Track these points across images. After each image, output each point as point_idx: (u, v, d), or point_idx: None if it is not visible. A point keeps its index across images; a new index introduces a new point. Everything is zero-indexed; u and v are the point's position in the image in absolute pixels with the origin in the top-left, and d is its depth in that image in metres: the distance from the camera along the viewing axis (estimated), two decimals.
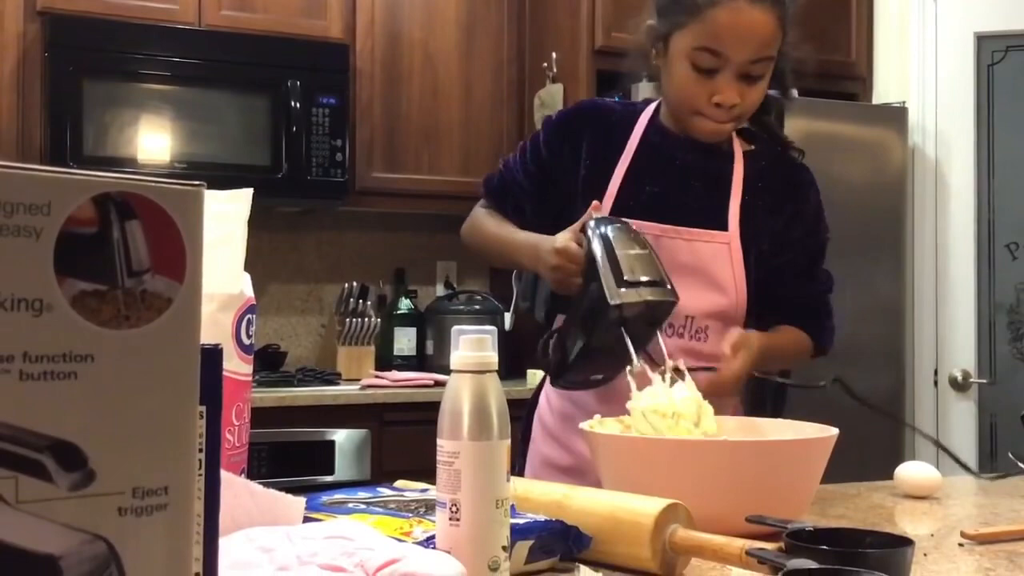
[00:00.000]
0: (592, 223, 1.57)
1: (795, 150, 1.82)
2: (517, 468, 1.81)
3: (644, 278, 1.50)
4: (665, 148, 1.76)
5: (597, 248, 1.53)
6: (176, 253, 0.53)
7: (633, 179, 1.74)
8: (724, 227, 1.72)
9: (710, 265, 1.70)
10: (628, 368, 1.50)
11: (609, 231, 1.54)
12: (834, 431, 1.36)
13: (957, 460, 1.74)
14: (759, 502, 1.23)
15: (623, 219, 1.60)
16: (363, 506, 1.15)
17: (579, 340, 1.59)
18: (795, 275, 1.79)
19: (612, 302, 1.49)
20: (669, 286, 1.52)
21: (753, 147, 1.80)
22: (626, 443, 1.37)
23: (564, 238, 1.60)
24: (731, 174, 1.75)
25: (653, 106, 1.81)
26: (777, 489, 1.29)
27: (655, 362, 1.51)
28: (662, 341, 1.54)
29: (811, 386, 1.52)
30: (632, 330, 1.52)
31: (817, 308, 1.82)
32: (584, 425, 1.43)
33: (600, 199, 1.70)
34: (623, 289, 1.49)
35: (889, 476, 1.67)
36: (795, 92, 1.83)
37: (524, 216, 1.82)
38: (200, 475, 0.62)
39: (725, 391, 1.60)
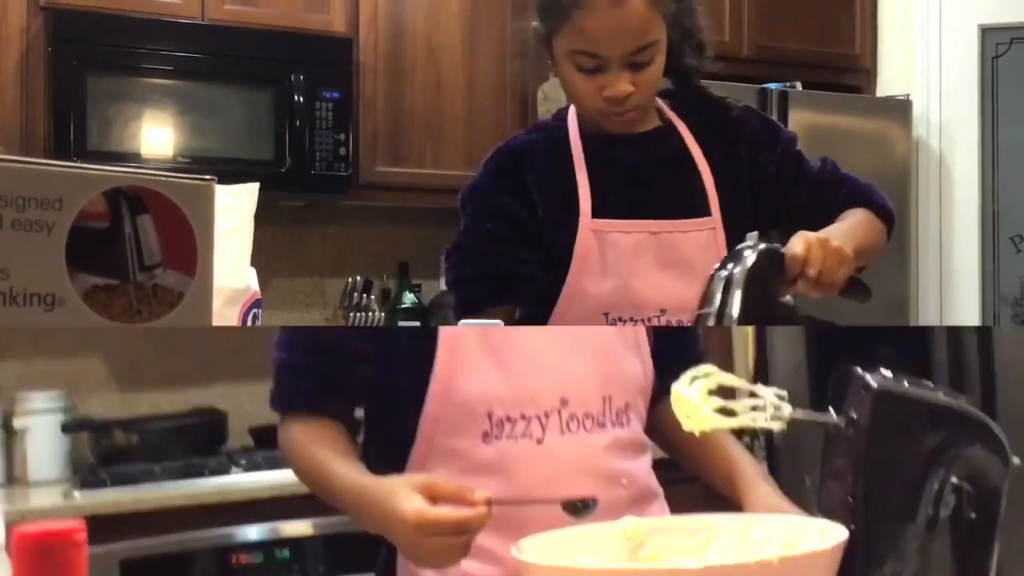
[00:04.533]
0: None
1: (731, 105, 1.70)
2: None
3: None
4: (608, 149, 1.65)
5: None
6: (187, 247, 0.53)
7: (599, 190, 1.62)
8: (707, 212, 1.62)
9: (698, 255, 1.60)
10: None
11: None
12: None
13: None
14: None
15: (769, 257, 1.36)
16: None
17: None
18: (792, 181, 1.67)
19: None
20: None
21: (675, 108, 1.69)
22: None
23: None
24: (688, 151, 1.66)
25: (571, 112, 1.70)
26: None
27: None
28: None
29: None
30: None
31: (837, 178, 1.71)
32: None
33: (575, 224, 1.59)
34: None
35: None
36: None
37: (535, 285, 1.61)
38: None
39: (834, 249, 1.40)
